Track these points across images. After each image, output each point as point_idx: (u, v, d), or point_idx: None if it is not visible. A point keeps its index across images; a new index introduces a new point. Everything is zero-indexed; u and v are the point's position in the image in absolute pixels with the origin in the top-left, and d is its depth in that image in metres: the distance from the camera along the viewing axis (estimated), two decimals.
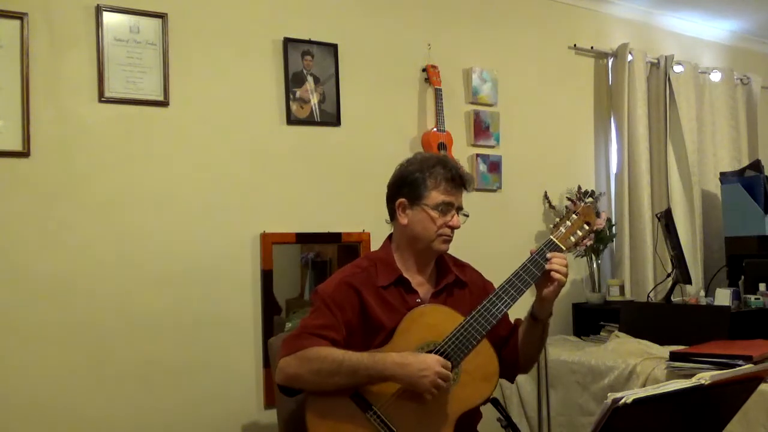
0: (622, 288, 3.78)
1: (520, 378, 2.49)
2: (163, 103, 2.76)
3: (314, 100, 3.11)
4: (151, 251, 2.71)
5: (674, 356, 2.58)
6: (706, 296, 3.58)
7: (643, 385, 2.64)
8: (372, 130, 3.26)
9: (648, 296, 3.72)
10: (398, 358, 1.81)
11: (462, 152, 3.50)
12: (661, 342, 2.96)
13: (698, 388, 1.37)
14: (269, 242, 2.94)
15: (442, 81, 3.40)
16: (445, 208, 1.98)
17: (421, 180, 1.98)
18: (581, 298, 3.83)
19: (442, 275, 2.06)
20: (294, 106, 3.06)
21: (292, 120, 3.05)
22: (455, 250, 2.10)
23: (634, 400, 1.27)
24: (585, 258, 3.79)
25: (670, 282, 3.46)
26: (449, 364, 1.83)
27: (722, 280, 3.82)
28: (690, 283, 3.55)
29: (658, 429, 1.45)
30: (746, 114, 4.71)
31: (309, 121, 3.10)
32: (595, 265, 3.78)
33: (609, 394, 1.30)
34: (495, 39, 3.70)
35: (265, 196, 2.98)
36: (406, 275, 2.00)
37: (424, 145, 3.35)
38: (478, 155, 3.57)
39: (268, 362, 2.64)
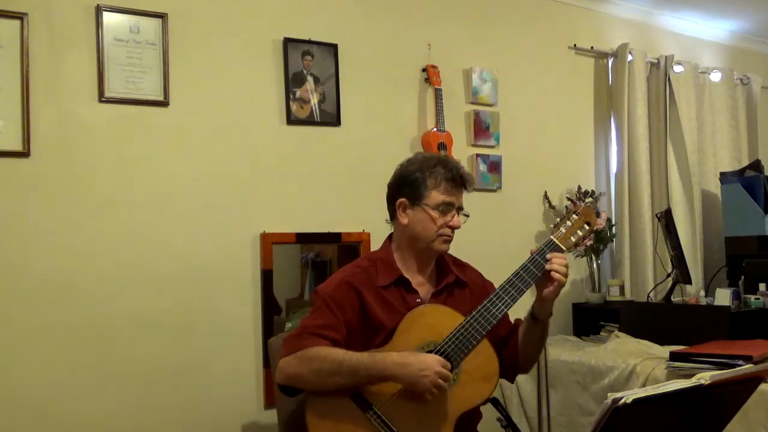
0: (622, 288, 3.78)
1: (520, 378, 2.49)
2: (163, 103, 2.76)
3: (314, 100, 3.11)
4: (151, 251, 2.72)
5: (674, 356, 2.58)
6: (706, 296, 3.58)
7: (643, 385, 2.64)
8: (372, 130, 3.26)
9: (648, 296, 3.72)
10: (398, 358, 1.81)
11: (462, 152, 3.50)
12: (661, 342, 2.96)
13: (698, 388, 1.37)
14: (269, 242, 2.94)
15: (442, 81, 3.40)
16: (446, 208, 1.98)
17: (422, 180, 1.98)
18: (581, 298, 3.83)
19: (443, 275, 2.06)
20: (294, 106, 3.06)
21: (292, 120, 3.05)
22: (455, 250, 2.10)
23: (634, 400, 1.26)
24: (585, 258, 3.79)
25: (670, 282, 3.46)
26: (449, 364, 1.83)
27: (722, 280, 3.82)
28: (690, 283, 3.55)
29: (658, 429, 1.45)
30: (746, 114, 4.71)
31: (309, 121, 3.10)
32: (595, 265, 3.78)
33: (609, 394, 1.30)
34: (495, 39, 3.70)
35: (265, 196, 2.98)
36: (406, 275, 2.00)
37: (424, 145, 3.35)
38: (478, 155, 3.57)
39: (268, 362, 2.64)
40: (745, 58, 4.86)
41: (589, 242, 3.62)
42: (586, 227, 2.01)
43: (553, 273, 1.90)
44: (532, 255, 1.94)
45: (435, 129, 3.36)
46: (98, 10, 2.65)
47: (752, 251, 3.77)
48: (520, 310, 2.01)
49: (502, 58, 3.71)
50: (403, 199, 2.01)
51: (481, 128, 3.59)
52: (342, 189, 3.16)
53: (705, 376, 1.38)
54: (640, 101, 4.07)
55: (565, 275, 1.92)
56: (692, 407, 1.46)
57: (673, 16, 4.40)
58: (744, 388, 1.58)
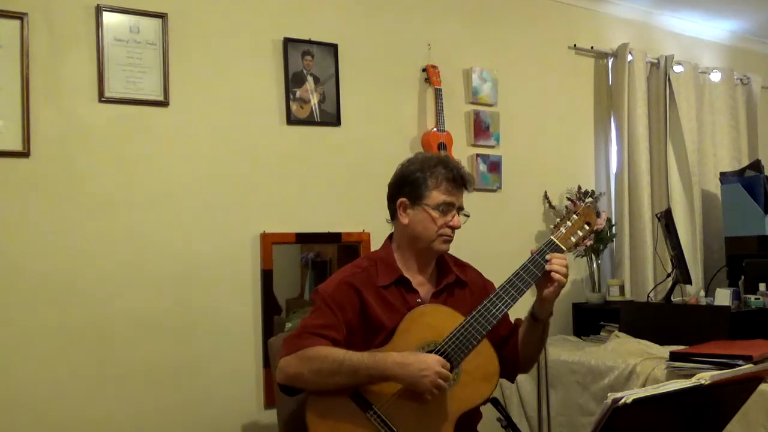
0: (622, 288, 3.78)
1: (520, 378, 2.50)
2: (163, 103, 2.76)
3: (314, 100, 3.11)
4: (151, 251, 2.72)
5: (674, 356, 2.58)
6: (706, 296, 3.58)
7: (643, 385, 2.64)
8: (372, 130, 3.26)
9: (648, 296, 3.72)
10: (399, 358, 1.81)
11: (462, 152, 3.50)
12: (661, 342, 2.96)
13: (698, 388, 1.37)
14: (269, 242, 2.94)
15: (442, 81, 3.40)
16: (446, 208, 1.98)
17: (422, 180, 1.98)
18: (581, 298, 3.83)
19: (443, 275, 2.06)
20: (294, 106, 3.06)
21: (292, 120, 3.05)
22: (455, 250, 2.10)
23: (634, 400, 1.26)
24: (585, 258, 3.79)
25: (670, 282, 3.45)
26: (449, 364, 1.83)
27: (722, 280, 3.81)
28: (690, 283, 3.55)
29: (658, 429, 1.45)
30: (746, 114, 4.71)
31: (309, 121, 3.10)
32: (595, 265, 3.78)
33: (609, 394, 1.30)
34: (495, 39, 3.70)
35: (265, 196, 2.98)
36: (406, 275, 2.00)
37: (424, 145, 3.35)
38: (478, 155, 3.57)
39: (268, 362, 2.64)
40: (745, 58, 4.86)
41: (589, 242, 3.62)
42: (587, 227, 2.01)
43: (553, 273, 1.90)
44: (532, 255, 1.94)
45: (435, 129, 3.36)
46: (98, 10, 2.65)
47: (752, 251, 3.77)
48: (520, 310, 2.01)
49: (502, 58, 3.71)
50: (403, 199, 2.01)
51: (481, 128, 3.59)
52: (342, 189, 3.16)
53: (705, 376, 1.38)
54: (640, 101, 4.07)
55: (566, 275, 1.92)
56: (692, 407, 1.46)
57: (673, 16, 4.40)
58: (744, 388, 1.58)
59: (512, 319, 2.10)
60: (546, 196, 3.77)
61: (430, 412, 1.84)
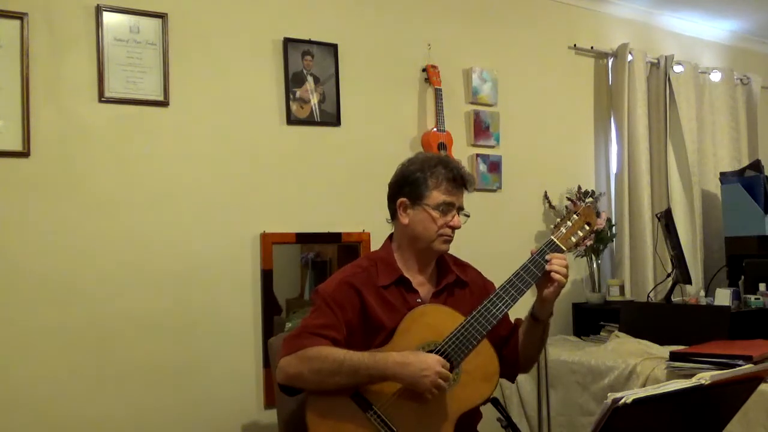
0: (622, 288, 3.78)
1: (520, 378, 2.50)
2: (163, 103, 2.76)
3: (314, 100, 3.11)
4: (150, 251, 2.72)
5: (674, 356, 2.58)
6: (706, 296, 3.58)
7: (643, 385, 2.64)
8: (372, 130, 3.26)
9: (648, 296, 3.72)
10: (399, 358, 1.81)
11: (462, 152, 3.50)
12: (661, 342, 2.96)
13: (698, 388, 1.37)
14: (269, 242, 2.94)
15: (442, 81, 3.40)
16: (446, 208, 1.98)
17: (423, 180, 1.98)
18: (581, 298, 3.83)
19: (443, 275, 2.06)
20: (294, 106, 3.06)
21: (292, 120, 3.05)
22: (455, 250, 2.10)
23: (634, 400, 1.26)
24: (585, 258, 3.79)
25: (670, 282, 3.45)
26: (449, 364, 1.83)
27: (722, 280, 3.81)
28: (690, 283, 3.55)
29: (658, 429, 1.45)
30: (746, 114, 4.71)
31: (309, 121, 3.10)
32: (595, 265, 3.78)
33: (609, 394, 1.30)
34: (495, 39, 3.70)
35: (265, 196, 2.98)
36: (406, 275, 2.00)
37: (424, 145, 3.35)
38: (478, 155, 3.57)
39: (268, 362, 2.64)
40: (745, 58, 4.86)
41: (589, 242, 3.62)
42: (587, 227, 2.01)
43: (553, 273, 1.90)
44: (532, 255, 1.94)
45: (435, 129, 3.36)
46: (98, 10, 2.65)
47: (752, 251, 3.77)
48: (520, 310, 2.02)
49: (502, 58, 3.71)
50: (403, 199, 2.01)
51: (481, 128, 3.59)
52: (342, 189, 3.16)
53: (705, 376, 1.38)
54: (640, 101, 4.07)
55: (566, 276, 1.92)
56: (692, 407, 1.46)
57: (673, 16, 4.40)
58: (744, 388, 1.58)
59: (512, 318, 2.10)
60: (546, 196, 3.77)
61: (430, 412, 1.85)
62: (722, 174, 4.19)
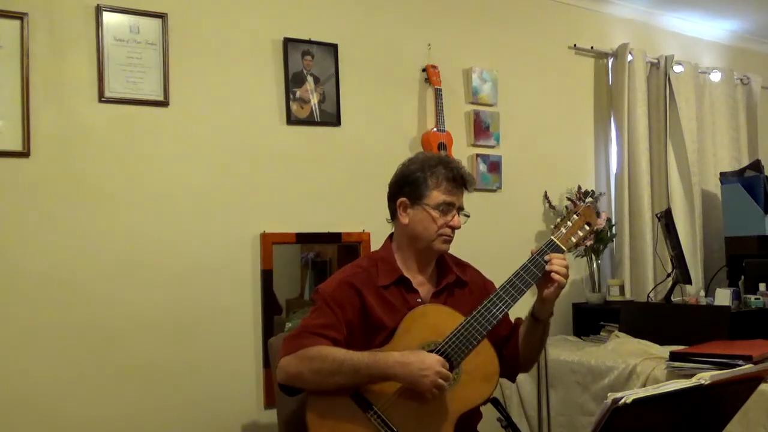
0: (622, 288, 3.78)
1: (520, 378, 2.50)
2: (163, 103, 2.76)
3: (314, 100, 3.11)
4: (150, 251, 2.72)
5: (674, 356, 2.58)
6: (706, 296, 3.58)
7: (643, 385, 2.64)
8: (372, 130, 3.26)
9: (648, 296, 3.72)
10: (399, 358, 1.81)
11: (462, 152, 3.50)
12: (661, 342, 2.96)
13: (698, 388, 1.37)
14: (269, 242, 2.94)
15: (442, 81, 3.40)
16: (446, 208, 1.98)
17: (423, 179, 1.98)
18: (581, 298, 3.83)
19: (443, 275, 2.06)
20: (294, 106, 3.06)
21: (292, 120, 3.05)
22: (455, 249, 2.10)
23: (634, 400, 1.26)
24: (585, 258, 3.79)
25: (670, 282, 3.46)
26: (448, 364, 1.83)
27: (722, 280, 3.81)
28: (690, 283, 3.55)
29: (658, 429, 1.45)
30: (746, 114, 4.71)
31: (309, 121, 3.10)
32: (595, 265, 3.78)
33: (609, 394, 1.30)
34: (495, 39, 3.70)
35: (265, 196, 2.98)
36: (406, 275, 2.00)
37: (424, 145, 3.35)
38: (478, 155, 3.57)
39: (268, 362, 2.64)
40: (745, 58, 4.86)
41: (589, 242, 3.62)
42: (587, 227, 2.01)
43: (553, 274, 1.90)
44: (532, 255, 1.94)
45: (435, 129, 3.36)
46: (98, 10, 2.65)
47: (752, 251, 3.77)
48: (520, 310, 2.02)
49: (502, 58, 3.71)
50: (403, 199, 2.01)
51: (481, 128, 3.59)
52: (342, 189, 3.16)
53: (705, 376, 1.38)
54: (640, 101, 4.07)
55: (566, 276, 1.92)
56: (692, 407, 1.46)
57: (673, 16, 4.40)
58: (744, 388, 1.58)
59: (512, 318, 2.10)
60: (546, 196, 3.77)
61: (430, 412, 1.84)
62: (722, 174, 4.19)
